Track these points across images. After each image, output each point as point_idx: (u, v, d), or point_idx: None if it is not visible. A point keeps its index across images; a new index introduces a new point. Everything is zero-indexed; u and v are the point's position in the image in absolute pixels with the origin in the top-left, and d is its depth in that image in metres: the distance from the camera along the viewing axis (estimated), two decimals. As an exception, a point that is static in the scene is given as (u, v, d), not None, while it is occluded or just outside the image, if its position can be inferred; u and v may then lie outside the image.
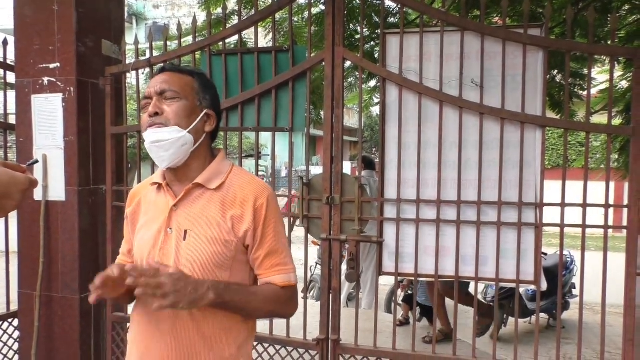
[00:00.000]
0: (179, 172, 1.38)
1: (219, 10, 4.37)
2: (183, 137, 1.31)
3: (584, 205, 2.35)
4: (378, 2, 4.43)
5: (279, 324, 2.83)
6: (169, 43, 2.98)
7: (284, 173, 17.93)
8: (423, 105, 2.54)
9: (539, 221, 2.44)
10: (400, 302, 5.01)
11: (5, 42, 3.15)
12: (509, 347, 4.20)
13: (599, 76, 5.55)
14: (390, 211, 2.62)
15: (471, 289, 3.88)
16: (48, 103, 2.89)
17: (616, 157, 5.16)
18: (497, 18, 4.83)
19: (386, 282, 5.46)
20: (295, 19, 4.37)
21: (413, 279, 2.68)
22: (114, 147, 2.98)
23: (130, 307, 3.05)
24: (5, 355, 3.20)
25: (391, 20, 4.70)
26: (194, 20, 2.95)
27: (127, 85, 3.14)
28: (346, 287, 5.37)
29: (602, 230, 2.37)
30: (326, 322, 2.63)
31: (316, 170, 10.65)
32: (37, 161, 1.27)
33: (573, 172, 2.37)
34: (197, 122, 1.35)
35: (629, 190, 2.35)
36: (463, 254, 2.52)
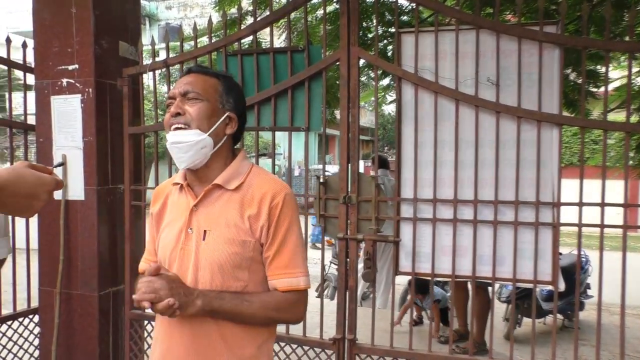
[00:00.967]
0: (199, 172, 1.40)
1: (233, 10, 4.39)
2: (203, 139, 1.33)
3: (602, 205, 2.33)
4: (391, 0, 4.43)
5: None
6: (184, 44, 3.00)
7: (297, 172, 17.96)
8: (439, 104, 2.53)
9: (556, 220, 2.42)
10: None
11: (24, 45, 3.19)
12: (524, 348, 4.18)
13: (612, 73, 5.49)
14: (406, 210, 2.62)
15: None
16: (67, 104, 2.93)
17: (632, 155, 5.10)
18: (510, 15, 4.81)
19: (399, 282, 5.45)
20: (309, 18, 4.38)
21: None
22: (131, 147, 3.02)
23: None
24: (25, 351, 3.25)
25: (404, 18, 4.69)
26: (210, 21, 2.97)
27: (143, 85, 3.17)
28: (360, 287, 5.37)
29: (615, 230, 2.34)
30: (342, 322, 2.64)
31: (329, 169, 10.66)
32: (62, 163, 1.31)
33: (586, 170, 2.35)
34: (217, 124, 1.36)
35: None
36: (480, 254, 2.51)
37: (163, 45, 3.02)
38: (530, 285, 2.51)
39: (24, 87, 3.30)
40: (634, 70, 4.84)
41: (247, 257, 1.34)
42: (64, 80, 2.94)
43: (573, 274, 4.11)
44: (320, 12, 4.52)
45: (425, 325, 5.08)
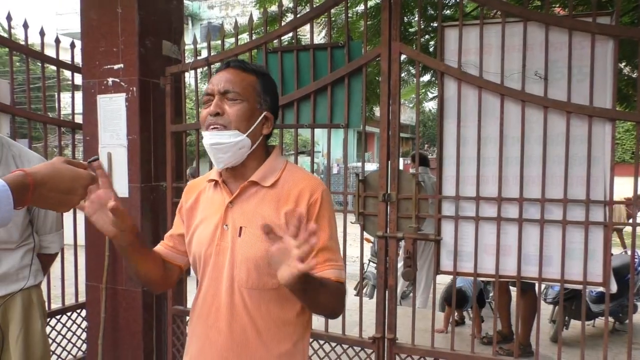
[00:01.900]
0: (235, 170, 1.39)
1: (274, 7, 4.41)
2: (242, 140, 1.32)
3: (658, 203, 2.22)
4: (434, -6, 4.34)
5: (334, 321, 2.83)
6: (225, 41, 3.03)
7: (335, 170, 17.95)
8: (483, 99, 2.46)
9: (608, 220, 2.31)
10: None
11: (72, 45, 3.29)
12: (571, 351, 4.04)
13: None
14: (448, 208, 2.56)
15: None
16: (112, 103, 3.01)
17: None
18: (559, 8, 4.64)
19: (440, 281, 5.36)
20: (349, 14, 4.35)
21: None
22: (173, 144, 3.07)
23: (190, 301, 3.13)
24: (74, 344, 3.36)
25: (446, 12, 4.60)
26: (250, 19, 2.98)
27: (185, 84, 3.22)
28: (400, 286, 5.31)
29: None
30: (382, 321, 2.61)
31: (367, 167, 10.59)
32: (97, 158, 1.34)
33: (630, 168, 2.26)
34: (256, 124, 1.36)
35: None
36: (525, 253, 2.43)
37: (205, 44, 3.06)
38: (578, 286, 2.42)
39: (72, 87, 3.40)
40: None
41: None
42: (110, 80, 3.01)
43: (625, 275, 3.96)
44: (360, 7, 4.48)
45: (467, 325, 4.98)
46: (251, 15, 3.05)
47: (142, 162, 2.99)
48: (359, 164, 2.79)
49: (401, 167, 2.69)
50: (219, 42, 3.07)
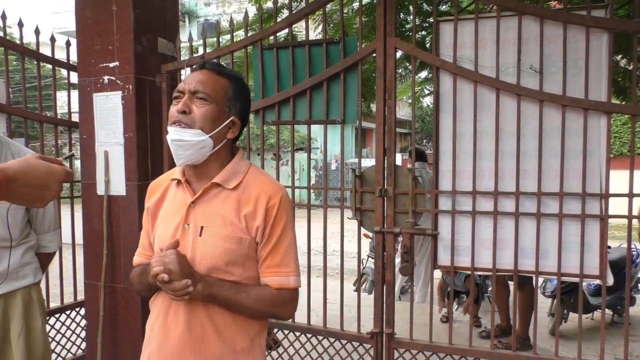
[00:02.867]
0: (197, 169, 1.42)
1: (269, 4, 4.39)
2: (203, 140, 1.34)
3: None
4: (429, -11, 4.34)
5: (333, 317, 2.84)
6: (221, 38, 3.02)
7: (333, 166, 17.95)
8: (478, 93, 2.47)
9: (604, 212, 2.32)
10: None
11: (68, 44, 3.28)
12: (569, 344, 4.05)
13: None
14: (444, 203, 2.57)
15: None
16: (108, 101, 3.00)
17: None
18: (554, 2, 4.63)
19: (438, 275, 5.38)
20: (345, 10, 4.34)
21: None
22: (170, 142, 3.06)
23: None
24: (73, 343, 3.36)
25: (442, 8, 4.59)
26: (246, 15, 2.98)
27: (181, 81, 3.21)
28: (399, 281, 5.32)
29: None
30: (380, 316, 2.62)
31: (366, 162, 10.60)
32: (72, 154, 1.35)
33: (637, 160, 2.26)
34: (220, 128, 1.37)
35: None
36: (522, 247, 2.43)
37: (201, 42, 3.05)
38: (577, 280, 2.42)
39: (68, 85, 3.40)
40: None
41: (241, 253, 1.36)
42: (106, 78, 3.01)
43: (622, 268, 3.97)
44: (356, 3, 4.48)
45: (465, 321, 4.99)
46: (246, 11, 3.05)
47: (139, 160, 2.98)
48: (357, 160, 2.79)
49: (399, 163, 2.70)
50: (215, 39, 3.07)
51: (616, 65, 4.62)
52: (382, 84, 2.57)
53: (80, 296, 3.34)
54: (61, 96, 4.93)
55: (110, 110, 3.01)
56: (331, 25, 4.49)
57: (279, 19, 2.88)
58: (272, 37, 2.89)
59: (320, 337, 2.78)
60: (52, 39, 3.21)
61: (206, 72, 1.39)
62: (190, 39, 3.08)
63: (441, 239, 2.57)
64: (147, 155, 3.04)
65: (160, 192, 1.50)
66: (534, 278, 2.49)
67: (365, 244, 5.74)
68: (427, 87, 6.36)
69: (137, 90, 2.96)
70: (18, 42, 3.11)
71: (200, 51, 3.07)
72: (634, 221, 2.31)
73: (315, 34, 4.27)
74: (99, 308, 3.06)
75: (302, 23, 2.85)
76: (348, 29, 4.48)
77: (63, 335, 3.31)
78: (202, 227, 1.37)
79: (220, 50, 2.95)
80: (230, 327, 1.38)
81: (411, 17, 4.78)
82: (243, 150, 1.52)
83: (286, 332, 2.91)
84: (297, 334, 2.86)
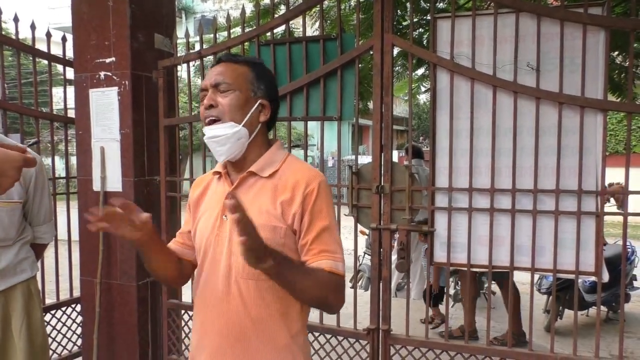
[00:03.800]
0: (236, 161, 1.41)
1: (266, 0, 4.39)
2: (238, 131, 1.34)
3: (650, 193, 2.23)
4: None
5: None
6: (218, 35, 3.02)
7: (330, 163, 17.95)
8: (475, 90, 2.46)
9: (600, 210, 2.33)
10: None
11: (64, 39, 3.26)
12: (565, 340, 4.07)
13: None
14: (441, 200, 2.57)
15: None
16: (104, 97, 2.99)
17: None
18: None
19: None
20: (342, 6, 4.34)
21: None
22: (166, 138, 3.06)
23: (185, 295, 3.12)
24: (69, 339, 3.36)
25: (439, 5, 4.60)
26: (243, 11, 2.97)
27: (178, 78, 3.21)
28: (395, 277, 5.33)
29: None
30: (376, 312, 2.62)
31: (362, 159, 10.58)
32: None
33: (632, 158, 2.28)
34: (251, 113, 1.36)
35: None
36: (518, 244, 2.44)
37: (198, 38, 3.04)
38: (572, 276, 2.43)
39: (64, 81, 3.38)
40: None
41: (278, 243, 1.32)
42: (102, 73, 2.99)
43: (617, 265, 3.99)
44: (353, 0, 4.47)
45: (459, 318, 5.00)
46: (243, 8, 3.04)
47: (135, 156, 2.98)
48: (354, 157, 2.78)
49: (396, 160, 2.70)
50: (212, 35, 3.06)
51: (612, 62, 4.63)
52: (380, 81, 2.57)
53: (76, 293, 3.34)
54: (57, 92, 4.91)
55: (106, 106, 3.00)
56: (328, 21, 4.49)
57: (276, 15, 2.88)
58: (269, 34, 2.88)
59: (316, 334, 2.79)
60: (48, 34, 3.19)
61: (223, 64, 1.39)
62: (187, 35, 3.07)
63: (438, 236, 2.58)
64: (144, 152, 3.04)
65: (202, 187, 1.51)
66: (510, 274, 2.49)
67: (362, 240, 5.75)
68: (424, 84, 6.36)
69: (134, 86, 2.95)
70: (14, 37, 3.10)
71: (197, 47, 3.05)
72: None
73: (313, 30, 4.26)
74: (94, 304, 3.06)
75: (300, 19, 2.84)
76: (345, 26, 4.48)
77: (59, 331, 3.30)
78: None
79: (217, 46, 2.94)
80: (267, 323, 1.35)
81: (408, 14, 4.80)
82: (281, 141, 1.50)
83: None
84: (294, 330, 2.86)
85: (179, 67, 3.13)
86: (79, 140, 3.10)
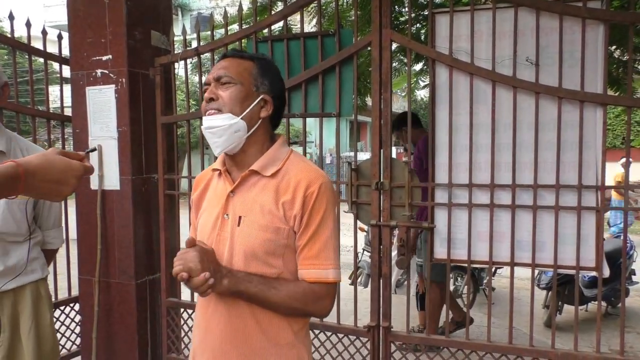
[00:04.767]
0: (236, 158, 1.38)
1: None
2: (236, 123, 1.31)
3: (650, 188, 2.22)
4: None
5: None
6: (215, 32, 3.00)
7: (328, 159, 17.93)
8: (475, 86, 2.45)
9: (600, 204, 2.32)
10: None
11: (59, 37, 3.24)
12: (565, 335, 4.08)
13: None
14: (441, 196, 2.56)
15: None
16: (101, 94, 2.97)
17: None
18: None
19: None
20: (340, 2, 4.32)
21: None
22: (164, 136, 3.04)
23: (184, 293, 3.10)
24: (68, 338, 3.34)
25: (437, 0, 4.58)
26: (240, 8, 2.95)
27: (175, 75, 3.19)
28: (395, 274, 5.32)
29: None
30: (377, 309, 2.61)
31: (360, 156, 10.56)
32: (94, 149, 1.35)
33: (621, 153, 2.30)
34: (251, 107, 1.34)
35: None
36: (518, 240, 2.43)
37: (195, 35, 3.02)
38: (571, 272, 2.43)
39: (61, 79, 3.36)
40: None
41: (280, 244, 1.32)
42: (98, 71, 2.97)
43: (617, 260, 3.99)
44: (350, -4, 4.45)
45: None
46: (240, 4, 3.02)
47: (133, 154, 2.96)
48: (352, 154, 2.76)
49: (394, 156, 2.69)
50: (209, 32, 3.04)
51: (610, 56, 4.63)
52: (378, 76, 2.55)
53: (75, 291, 3.32)
54: (53, 90, 4.88)
55: (103, 104, 2.98)
56: (326, 17, 4.47)
57: (273, 12, 2.86)
58: (266, 30, 2.86)
59: (316, 331, 2.78)
60: (44, 32, 3.17)
61: (228, 59, 1.37)
62: (184, 32, 3.05)
63: (438, 232, 2.57)
64: (141, 149, 3.02)
65: (204, 184, 1.49)
66: (511, 269, 2.48)
67: (361, 237, 5.73)
68: (422, 79, 6.35)
69: (131, 83, 2.93)
70: (9, 35, 3.07)
71: (194, 45, 3.04)
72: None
73: (310, 26, 4.24)
74: (93, 303, 3.05)
75: (297, 16, 2.83)
76: (343, 22, 4.46)
77: (57, 330, 3.28)
78: (240, 217, 1.33)
79: (214, 43, 2.93)
80: (272, 321, 1.33)
81: (406, 9, 4.78)
82: (284, 137, 1.47)
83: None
84: (294, 327, 2.85)
85: (176, 65, 3.11)
86: (76, 138, 3.08)
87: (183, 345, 3.12)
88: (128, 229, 2.98)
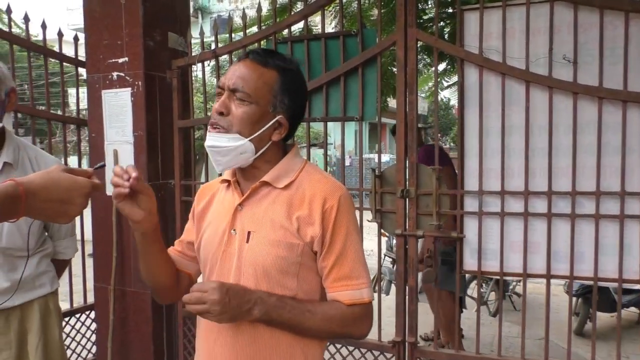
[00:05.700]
0: (246, 171, 1.28)
1: (283, -3, 4.28)
2: (242, 145, 1.19)
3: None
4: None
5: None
6: (234, 35, 2.90)
7: (347, 162, 17.81)
8: (507, 86, 2.31)
9: (645, 213, 2.16)
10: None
11: (76, 39, 3.18)
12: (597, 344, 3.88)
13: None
14: (470, 204, 2.42)
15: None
16: (117, 98, 2.90)
17: None
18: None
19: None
20: (362, 1, 4.21)
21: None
22: (181, 141, 2.95)
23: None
24: (83, 347, 3.28)
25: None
26: (259, 9, 2.85)
27: (193, 78, 3.10)
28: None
29: None
30: (402, 324, 2.47)
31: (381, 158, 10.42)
32: (104, 164, 1.26)
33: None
34: (263, 130, 1.21)
35: None
36: (555, 250, 2.28)
37: (213, 38, 2.94)
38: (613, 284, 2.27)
39: (76, 82, 3.30)
40: None
41: (294, 262, 1.20)
42: (114, 74, 2.90)
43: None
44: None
45: (491, 325, 4.83)
46: (259, 5, 2.92)
47: (149, 159, 2.88)
48: (371, 155, 2.66)
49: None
50: (227, 35, 2.95)
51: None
52: (403, 78, 2.43)
53: (90, 299, 3.26)
54: (70, 93, 4.85)
55: (119, 108, 2.91)
56: (347, 17, 4.35)
57: (293, 12, 2.75)
58: (286, 31, 2.76)
59: (338, 346, 2.65)
60: (60, 34, 3.11)
61: (249, 64, 1.21)
62: (202, 34, 2.96)
63: (467, 242, 2.42)
64: (158, 155, 2.94)
65: (209, 196, 1.38)
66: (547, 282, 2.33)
67: (382, 242, 5.59)
68: (445, 79, 6.20)
69: (147, 86, 2.85)
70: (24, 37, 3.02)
71: (212, 47, 2.94)
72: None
73: (332, 27, 4.13)
74: (108, 311, 2.97)
75: (318, 16, 2.72)
76: (365, 21, 4.34)
77: (73, 339, 3.22)
78: (249, 232, 1.22)
79: (232, 44, 2.83)
80: (282, 348, 1.22)
81: (428, 6, 4.64)
82: (297, 146, 1.35)
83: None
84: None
85: (193, 67, 3.03)
86: (91, 142, 3.02)
87: (200, 356, 3.03)
88: (144, 236, 2.89)
